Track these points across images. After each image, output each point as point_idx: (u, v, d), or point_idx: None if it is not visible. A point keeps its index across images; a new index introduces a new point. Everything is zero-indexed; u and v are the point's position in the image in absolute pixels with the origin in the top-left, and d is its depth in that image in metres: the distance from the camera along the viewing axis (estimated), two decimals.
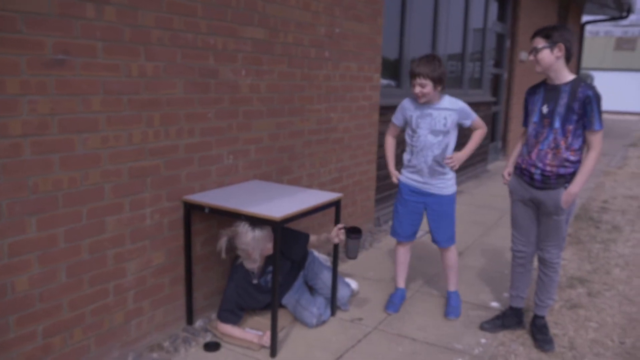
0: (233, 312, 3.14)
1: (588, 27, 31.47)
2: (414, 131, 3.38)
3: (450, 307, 3.55)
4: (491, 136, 9.31)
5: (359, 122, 4.77)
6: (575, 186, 2.91)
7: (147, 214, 2.86)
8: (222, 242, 3.04)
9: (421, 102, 3.30)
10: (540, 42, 2.91)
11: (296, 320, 3.36)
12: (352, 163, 4.75)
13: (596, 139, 2.87)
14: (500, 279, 4.17)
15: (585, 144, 2.94)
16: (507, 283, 4.04)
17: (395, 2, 5.55)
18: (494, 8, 8.51)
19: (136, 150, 2.75)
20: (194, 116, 3.05)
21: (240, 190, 3.26)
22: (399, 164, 3.65)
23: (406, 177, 3.48)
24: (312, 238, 3.44)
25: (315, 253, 3.71)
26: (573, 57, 14.61)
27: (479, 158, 8.44)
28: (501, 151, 9.94)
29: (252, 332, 3.14)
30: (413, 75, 3.23)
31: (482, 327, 3.34)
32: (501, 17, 9.05)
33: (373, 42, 4.82)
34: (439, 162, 3.35)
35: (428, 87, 3.20)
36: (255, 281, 3.19)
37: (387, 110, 5.38)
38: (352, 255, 3.16)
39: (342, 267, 4.29)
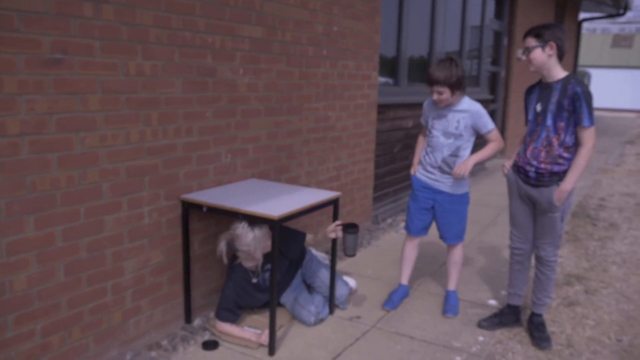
0: (232, 311, 3.14)
1: (585, 24, 31.52)
2: (429, 131, 3.44)
3: (448, 305, 3.56)
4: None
5: (357, 121, 4.77)
6: (567, 183, 2.92)
7: (145, 213, 2.86)
8: (222, 247, 3.05)
9: (440, 107, 3.35)
10: (531, 42, 2.93)
11: (294, 318, 3.37)
12: (350, 161, 4.75)
13: (587, 135, 2.86)
14: (497, 277, 4.19)
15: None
16: (504, 281, 4.05)
17: (393, 0, 5.55)
18: (491, 6, 8.51)
19: (134, 149, 2.74)
20: (192, 115, 3.05)
21: (238, 189, 3.26)
22: None
23: (420, 172, 3.53)
24: (309, 237, 3.45)
25: (314, 251, 3.71)
26: (569, 55, 14.65)
27: None
28: (499, 151, 9.95)
29: (250, 330, 3.14)
30: (430, 83, 3.25)
31: (480, 325, 3.35)
32: (498, 15, 9.05)
33: (371, 40, 4.82)
34: (448, 163, 3.37)
35: (446, 93, 3.23)
36: (254, 280, 3.19)
37: (385, 109, 5.39)
38: (350, 252, 3.16)
39: (340, 265, 4.29)
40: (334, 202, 3.30)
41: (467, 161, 3.30)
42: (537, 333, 3.19)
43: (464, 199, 3.47)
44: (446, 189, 3.43)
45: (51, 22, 2.29)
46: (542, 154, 2.97)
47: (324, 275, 3.47)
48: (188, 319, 3.22)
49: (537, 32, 2.91)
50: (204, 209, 2.96)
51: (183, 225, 3.07)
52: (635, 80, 28.19)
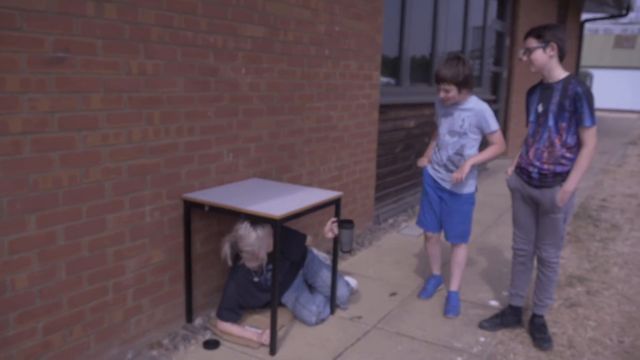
0: (233, 311, 3.14)
1: (587, 25, 31.49)
2: (438, 129, 3.50)
3: (450, 305, 3.56)
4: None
5: (358, 120, 4.76)
6: (569, 184, 2.91)
7: (147, 212, 2.86)
8: (226, 249, 3.05)
9: (447, 105, 3.38)
10: (532, 43, 2.92)
11: (295, 318, 3.37)
12: (351, 161, 4.75)
13: (588, 136, 2.86)
14: (499, 277, 4.18)
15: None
16: (506, 282, 4.05)
17: (395, 0, 5.54)
18: (493, 6, 8.50)
19: (136, 148, 2.75)
20: (194, 114, 3.05)
21: (240, 189, 3.26)
22: None
23: (431, 168, 3.57)
24: (309, 238, 3.47)
25: (315, 251, 3.71)
26: (571, 55, 14.63)
27: None
28: (499, 155, 9.93)
29: (251, 330, 3.14)
30: (437, 80, 3.27)
31: (481, 325, 3.34)
32: (501, 15, 9.04)
33: (373, 40, 4.82)
34: (453, 161, 3.40)
35: (452, 91, 3.26)
36: (256, 279, 3.19)
37: (386, 109, 5.38)
38: (346, 248, 3.19)
39: (342, 265, 4.29)
40: (336, 202, 3.30)
41: (463, 165, 3.30)
42: (539, 334, 3.19)
43: (468, 199, 3.48)
44: (451, 188, 3.46)
45: (53, 21, 2.29)
46: (545, 155, 2.96)
47: (325, 275, 3.47)
48: (189, 318, 3.22)
49: (538, 33, 2.90)
50: (206, 208, 2.96)
51: (185, 224, 3.07)
52: (638, 81, 28.16)
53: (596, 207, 6.52)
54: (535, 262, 3.30)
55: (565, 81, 2.91)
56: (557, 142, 2.93)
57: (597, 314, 3.60)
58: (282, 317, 3.33)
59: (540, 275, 3.19)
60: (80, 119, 2.46)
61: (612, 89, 27.42)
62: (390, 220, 5.59)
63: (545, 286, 3.18)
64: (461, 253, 3.59)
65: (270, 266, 3.19)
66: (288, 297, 3.38)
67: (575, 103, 2.84)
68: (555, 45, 2.87)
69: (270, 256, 3.16)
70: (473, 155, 3.37)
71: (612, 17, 15.30)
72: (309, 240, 3.47)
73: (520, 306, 3.37)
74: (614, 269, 4.42)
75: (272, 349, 2.95)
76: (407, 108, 5.87)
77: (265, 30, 3.50)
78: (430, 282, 3.83)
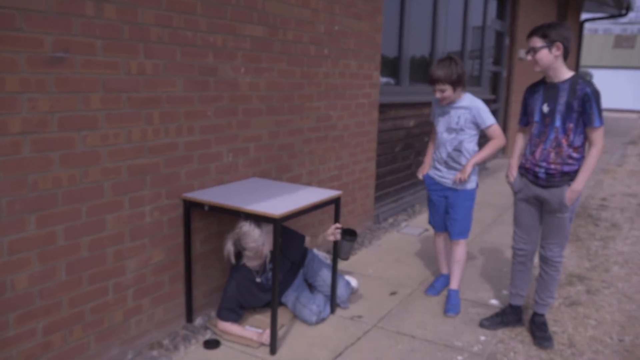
0: (233, 311, 3.14)
1: (587, 25, 31.53)
2: (436, 128, 3.56)
3: (450, 304, 3.56)
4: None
5: (358, 120, 4.76)
6: (578, 183, 2.91)
7: (147, 212, 2.86)
8: (229, 247, 3.06)
9: (443, 105, 3.45)
10: (537, 42, 2.87)
11: (296, 317, 3.37)
12: (351, 161, 4.75)
13: (597, 136, 2.86)
14: (499, 276, 4.18)
15: (587, 141, 2.94)
16: (506, 281, 4.05)
17: (394, 0, 5.54)
18: (493, 6, 8.50)
19: (136, 148, 2.74)
20: (193, 114, 3.05)
21: (239, 188, 3.26)
22: None
23: (432, 169, 3.64)
24: (307, 239, 3.48)
25: (315, 251, 3.71)
26: (572, 55, 14.63)
27: None
28: (500, 149, 9.94)
29: (251, 329, 3.14)
30: (432, 82, 3.36)
31: (482, 324, 3.34)
32: (500, 15, 9.04)
33: (372, 39, 4.82)
34: (453, 158, 3.47)
35: (448, 91, 3.34)
36: (257, 279, 3.19)
37: (386, 108, 5.38)
38: (344, 256, 3.24)
39: (342, 264, 4.29)
40: (336, 201, 3.30)
41: (466, 166, 3.39)
42: (539, 333, 3.18)
43: (470, 195, 3.54)
44: (453, 185, 3.51)
45: (53, 21, 2.29)
46: (552, 155, 2.95)
47: (325, 274, 3.47)
48: (189, 318, 3.22)
49: (543, 32, 2.85)
50: (206, 208, 2.96)
51: (184, 224, 3.07)
52: (637, 81, 28.18)
53: (596, 207, 6.51)
54: (535, 260, 3.30)
55: (572, 81, 2.87)
56: (564, 142, 2.91)
57: (597, 312, 3.60)
58: (283, 316, 3.33)
59: (542, 274, 3.18)
60: (79, 119, 2.46)
61: (611, 89, 27.41)
62: (390, 220, 5.59)
63: (547, 285, 3.17)
64: (461, 250, 3.61)
65: (272, 266, 3.19)
66: (288, 297, 3.38)
67: (584, 104, 2.82)
68: (560, 45, 2.83)
69: (271, 255, 3.16)
70: (472, 150, 3.45)
71: (611, 16, 15.30)
72: (307, 241, 3.48)
73: (520, 305, 3.36)
74: (614, 268, 4.42)
75: (273, 349, 2.95)
76: (407, 107, 5.87)
77: (264, 30, 3.50)
78: (439, 280, 3.88)
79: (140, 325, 2.93)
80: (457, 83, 3.32)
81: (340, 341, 3.14)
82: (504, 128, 9.90)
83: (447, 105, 3.45)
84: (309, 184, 4.19)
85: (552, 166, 2.95)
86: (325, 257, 3.87)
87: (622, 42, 30.59)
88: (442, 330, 3.32)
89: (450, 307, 3.54)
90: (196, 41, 3.00)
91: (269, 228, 3.03)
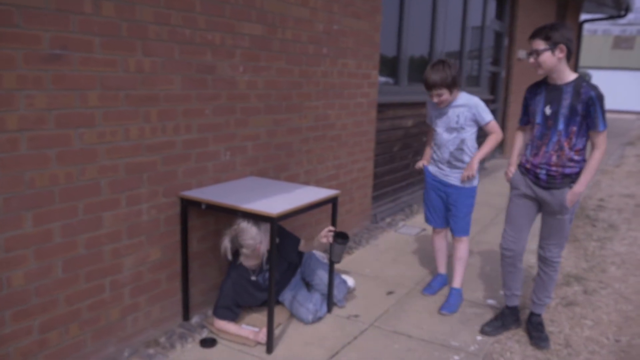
0: (230, 309, 3.14)
1: (586, 26, 31.54)
2: (434, 129, 3.58)
3: (447, 302, 3.57)
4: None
5: (356, 119, 4.76)
6: (580, 186, 2.90)
7: (144, 210, 2.85)
8: (226, 243, 3.06)
9: (442, 107, 3.47)
10: (540, 44, 2.81)
11: (292, 316, 3.37)
12: (349, 160, 4.75)
13: (600, 139, 2.85)
14: (496, 276, 4.18)
15: (588, 143, 2.93)
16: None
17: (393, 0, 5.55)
18: (492, 6, 8.50)
19: (133, 146, 2.74)
20: (191, 112, 3.05)
21: (237, 187, 3.25)
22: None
23: (433, 167, 3.66)
24: (302, 242, 3.48)
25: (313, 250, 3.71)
26: (572, 55, 14.64)
27: None
28: (499, 149, 9.95)
29: (248, 328, 3.14)
30: (428, 87, 3.37)
31: (483, 330, 3.27)
32: (499, 15, 9.05)
33: (371, 39, 4.82)
34: (456, 156, 3.49)
35: (445, 94, 3.37)
36: (254, 278, 3.19)
37: (384, 108, 5.38)
38: (335, 259, 3.25)
39: (340, 264, 4.29)
40: (333, 201, 3.30)
41: (471, 163, 3.43)
42: (536, 333, 3.19)
43: (472, 192, 3.58)
44: (456, 183, 3.55)
45: (51, 18, 2.29)
46: (554, 158, 2.93)
47: (322, 273, 3.48)
48: (186, 316, 3.22)
49: (546, 34, 2.79)
50: (203, 207, 2.96)
51: (182, 222, 3.07)
52: (636, 82, 28.21)
53: (594, 207, 6.52)
54: (532, 261, 3.29)
55: (576, 83, 2.83)
56: (566, 145, 2.90)
57: (594, 313, 3.60)
58: (279, 315, 3.33)
59: (541, 274, 3.18)
60: (77, 116, 2.46)
61: (610, 90, 27.42)
62: (388, 219, 5.59)
63: (545, 285, 3.17)
64: (463, 248, 3.64)
65: (269, 266, 3.19)
66: (285, 295, 3.39)
67: (588, 107, 2.79)
68: (564, 47, 2.78)
69: (267, 255, 3.16)
70: (473, 146, 3.50)
71: (610, 17, 15.32)
72: (302, 244, 3.48)
73: (517, 305, 3.35)
74: (611, 269, 4.43)
75: (269, 347, 2.95)
76: (405, 107, 5.87)
77: (263, 28, 3.49)
78: (436, 280, 3.89)
79: (136, 323, 2.92)
80: (453, 85, 3.34)
81: (337, 340, 3.14)
82: (503, 128, 9.90)
83: (444, 106, 3.47)
84: (306, 183, 4.18)
85: (554, 168, 2.94)
86: (322, 256, 3.86)
87: (621, 43, 30.62)
88: (438, 329, 3.32)
89: (447, 305, 3.55)
90: (194, 39, 3.00)
91: (267, 227, 3.03)
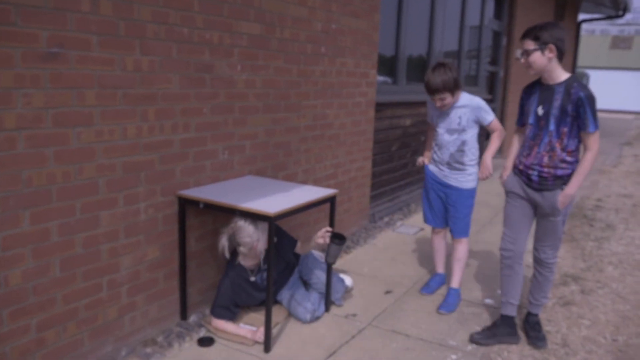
0: (228, 309, 3.14)
1: (584, 26, 31.57)
2: (436, 130, 3.57)
3: (445, 302, 3.57)
4: (486, 134, 9.32)
5: (355, 119, 4.76)
6: (571, 187, 2.88)
7: (142, 209, 2.85)
8: (224, 241, 3.06)
9: (445, 110, 3.46)
10: (530, 45, 2.82)
11: (290, 316, 3.37)
12: (347, 159, 4.75)
13: (592, 140, 2.83)
14: (494, 276, 4.19)
15: (581, 144, 2.91)
16: None
17: None
18: (490, 5, 8.50)
19: (131, 145, 2.74)
20: (189, 111, 3.05)
21: (235, 186, 3.25)
22: None
23: (434, 167, 3.65)
24: (298, 244, 3.50)
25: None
26: (568, 56, 14.64)
27: None
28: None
29: (246, 327, 3.14)
30: (431, 92, 3.35)
31: (473, 338, 3.17)
32: (498, 15, 9.05)
33: (369, 38, 4.82)
34: (456, 158, 3.49)
35: (448, 98, 3.35)
36: (252, 278, 3.19)
37: (383, 107, 5.38)
38: (330, 260, 3.24)
39: (337, 263, 4.29)
40: (331, 200, 3.30)
41: (485, 162, 3.42)
42: (533, 332, 3.19)
43: (471, 193, 3.57)
44: (455, 184, 3.55)
45: (48, 16, 2.28)
46: (545, 159, 2.92)
47: (320, 272, 3.48)
48: (184, 315, 3.21)
49: (536, 34, 2.79)
50: (201, 206, 2.96)
51: (179, 221, 3.07)
52: (634, 82, 28.23)
53: (591, 207, 6.53)
54: (529, 261, 3.29)
55: (567, 84, 2.82)
56: (557, 146, 2.88)
57: (591, 312, 3.61)
58: (277, 314, 3.33)
59: (537, 275, 3.17)
60: (74, 115, 2.45)
61: (608, 90, 27.47)
62: (386, 219, 5.60)
63: (541, 286, 3.17)
64: (462, 249, 3.64)
65: (266, 266, 3.19)
66: (283, 295, 3.38)
67: (578, 108, 2.78)
68: (553, 47, 2.77)
69: (266, 256, 3.16)
70: (474, 148, 3.50)
71: (609, 17, 15.34)
72: (298, 246, 3.48)
73: (513, 316, 3.22)
74: (609, 268, 4.44)
75: (267, 346, 2.95)
76: (404, 106, 5.87)
77: (261, 27, 3.49)
78: (435, 279, 3.89)
79: (134, 322, 2.92)
80: (456, 88, 3.32)
81: (335, 339, 3.14)
82: None
83: (447, 109, 3.45)
84: (304, 182, 4.18)
85: (545, 170, 2.92)
86: (320, 256, 3.86)
87: (619, 43, 30.65)
88: (436, 329, 3.32)
89: (445, 304, 3.55)
90: (192, 38, 2.99)
91: (264, 226, 3.03)
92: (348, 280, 3.78)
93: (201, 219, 3.25)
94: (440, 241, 3.86)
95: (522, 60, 2.89)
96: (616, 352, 3.13)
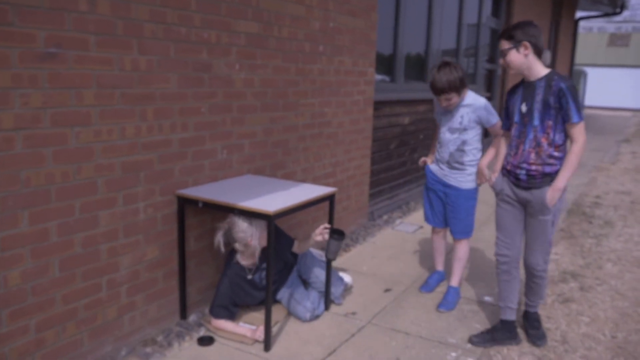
0: (227, 308, 3.14)
1: (582, 23, 31.57)
2: (439, 128, 3.59)
3: (445, 300, 3.57)
4: (484, 132, 9.33)
5: (353, 117, 4.76)
6: (559, 181, 2.84)
7: (141, 209, 2.85)
8: (219, 236, 3.05)
9: (450, 109, 3.45)
10: (505, 44, 2.89)
11: (290, 314, 3.37)
12: (346, 158, 4.75)
13: (577, 132, 2.81)
14: (493, 273, 4.19)
15: (568, 139, 2.89)
16: None
17: None
18: (488, 3, 8.51)
19: (129, 145, 2.74)
20: (187, 110, 3.04)
21: (234, 185, 3.25)
22: None
23: (434, 164, 3.66)
24: (296, 244, 3.48)
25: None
26: (566, 53, 14.65)
27: None
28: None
29: (245, 326, 3.14)
30: (437, 93, 3.34)
31: (471, 340, 3.15)
32: (495, 13, 9.06)
33: (367, 36, 4.82)
34: (455, 158, 3.48)
35: (454, 98, 3.35)
36: (249, 277, 3.19)
37: (381, 105, 5.38)
38: (331, 256, 3.23)
39: (336, 261, 4.29)
40: (330, 198, 3.30)
41: (479, 168, 3.45)
42: (532, 330, 3.19)
43: (472, 194, 3.55)
44: (454, 183, 3.53)
45: (46, 16, 2.28)
46: (532, 156, 2.89)
47: (319, 270, 3.48)
48: (183, 314, 3.21)
49: (509, 34, 2.86)
50: (200, 205, 2.96)
51: (178, 220, 3.06)
52: (632, 79, 28.26)
53: (590, 204, 6.54)
54: (519, 267, 3.21)
55: (548, 77, 2.84)
56: (543, 141, 2.86)
57: (590, 309, 3.62)
58: (277, 313, 3.33)
59: (529, 283, 3.13)
60: (72, 114, 2.45)
61: (606, 87, 27.50)
62: (385, 217, 5.60)
63: (534, 291, 3.13)
64: (463, 248, 3.63)
65: (265, 265, 3.19)
66: (283, 294, 3.39)
67: (560, 99, 2.78)
68: (527, 44, 2.82)
69: (264, 255, 3.16)
70: (475, 148, 3.50)
71: (606, 15, 15.36)
72: (296, 245, 3.48)
73: (512, 320, 3.17)
74: (608, 265, 4.45)
75: (267, 345, 2.95)
76: (402, 105, 5.87)
77: (259, 26, 3.49)
78: (434, 277, 3.89)
79: (133, 321, 2.92)
80: (462, 87, 3.32)
81: (334, 338, 3.14)
82: None
83: (453, 108, 3.45)
84: (303, 180, 4.18)
85: (533, 167, 2.89)
86: (319, 254, 3.87)
87: (617, 40, 30.67)
88: (436, 326, 3.33)
89: (444, 302, 3.55)
90: (190, 37, 2.99)
91: (259, 223, 3.02)
92: (347, 278, 3.78)
93: (200, 218, 3.25)
94: (440, 240, 3.86)
95: (501, 60, 2.95)
96: (615, 348, 3.13)
